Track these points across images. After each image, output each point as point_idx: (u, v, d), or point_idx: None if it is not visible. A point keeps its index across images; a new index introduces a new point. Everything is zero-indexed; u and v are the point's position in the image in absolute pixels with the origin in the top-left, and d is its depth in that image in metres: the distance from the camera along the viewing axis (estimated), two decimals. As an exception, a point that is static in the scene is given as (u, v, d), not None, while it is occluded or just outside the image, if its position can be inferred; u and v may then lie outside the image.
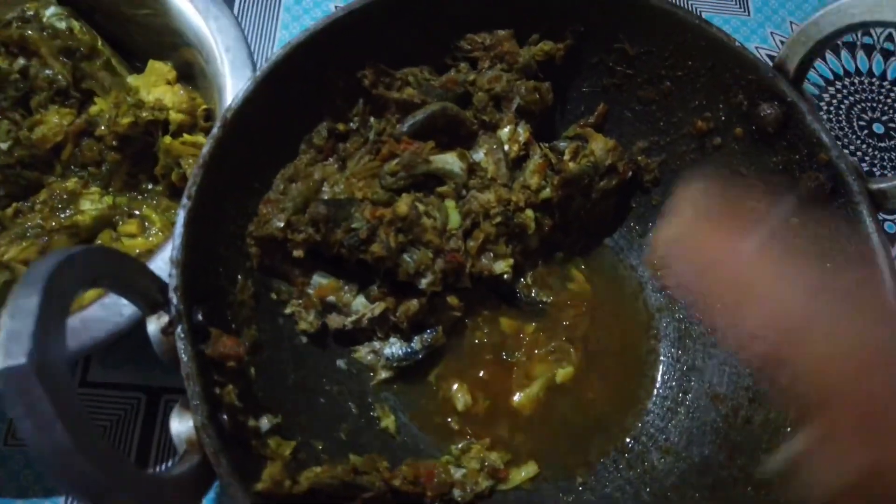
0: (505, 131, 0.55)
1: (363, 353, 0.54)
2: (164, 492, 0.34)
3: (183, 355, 0.39)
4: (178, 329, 0.39)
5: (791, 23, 0.77)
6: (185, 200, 0.42)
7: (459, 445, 0.52)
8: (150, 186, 0.56)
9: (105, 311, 0.45)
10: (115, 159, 0.55)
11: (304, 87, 0.49)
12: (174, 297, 0.39)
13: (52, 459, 0.29)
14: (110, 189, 0.55)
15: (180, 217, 0.42)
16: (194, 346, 0.39)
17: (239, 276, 0.47)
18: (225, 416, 0.39)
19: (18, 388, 0.29)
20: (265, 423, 0.43)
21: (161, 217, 0.55)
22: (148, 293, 0.40)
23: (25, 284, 0.31)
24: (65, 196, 0.52)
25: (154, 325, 0.40)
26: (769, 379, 0.52)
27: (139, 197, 0.56)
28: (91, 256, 0.35)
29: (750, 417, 0.51)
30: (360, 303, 0.52)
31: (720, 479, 0.49)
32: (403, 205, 0.50)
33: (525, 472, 0.52)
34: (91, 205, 0.53)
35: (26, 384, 0.29)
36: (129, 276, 0.38)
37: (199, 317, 0.41)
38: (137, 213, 0.54)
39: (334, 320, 0.52)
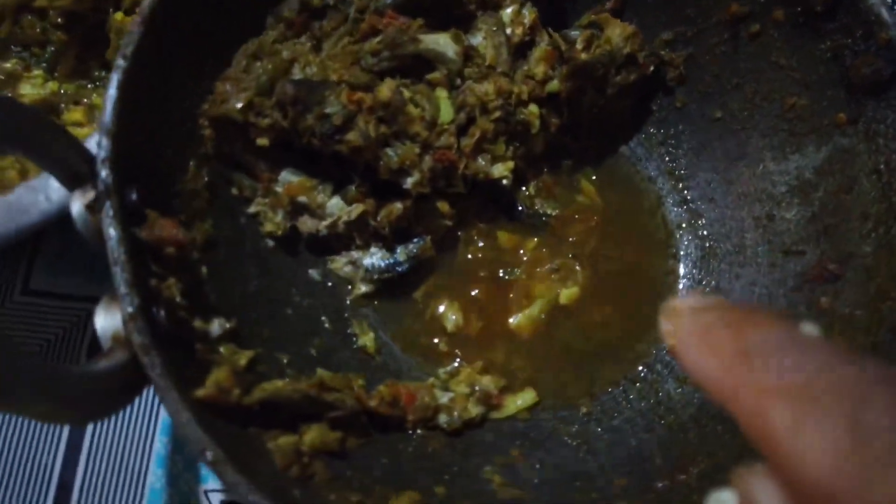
0: (507, 11, 0.48)
1: (340, 263, 0.47)
2: (74, 386, 0.28)
3: (110, 237, 0.32)
4: (106, 206, 0.33)
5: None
6: (119, 61, 0.36)
7: (447, 369, 0.46)
8: (101, 73, 0.50)
9: (32, 195, 0.38)
10: (62, 40, 0.48)
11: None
12: (103, 170, 0.33)
13: None
14: (56, 74, 0.48)
15: (113, 79, 0.35)
16: (125, 226, 0.33)
17: (190, 162, 0.40)
18: (162, 312, 0.33)
19: None
20: (216, 327, 0.37)
21: (114, 107, 0.48)
22: (72, 164, 0.33)
23: None
24: (2, 77, 0.46)
25: (78, 203, 0.34)
26: (807, 302, 0.45)
27: (89, 85, 0.49)
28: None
29: (782, 343, 0.44)
30: (335, 204, 0.46)
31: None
32: (386, 89, 0.43)
33: (522, 399, 0.46)
34: (32, 89, 0.46)
35: None
36: (42, 137, 0.32)
37: (133, 196, 0.34)
38: (85, 101, 0.48)
39: (306, 223, 0.46)
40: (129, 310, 0.31)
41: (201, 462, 0.34)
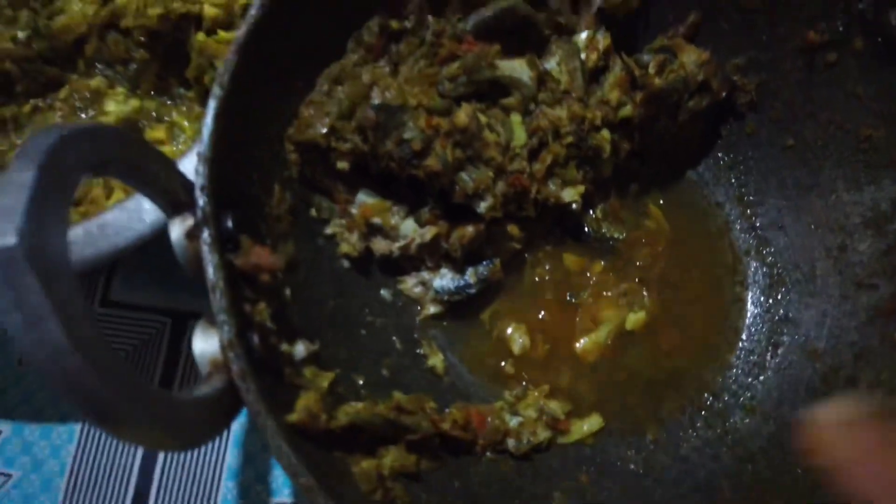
0: (582, 36, 0.48)
1: (410, 284, 0.48)
2: (181, 413, 0.29)
3: (209, 263, 0.33)
4: (205, 233, 0.34)
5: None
6: (216, 90, 0.36)
7: (514, 392, 0.47)
8: (181, 91, 0.51)
9: (127, 215, 0.39)
10: (144, 57, 0.49)
11: (355, -29, 0.43)
12: (201, 197, 0.34)
13: (43, 360, 0.23)
14: (138, 91, 0.50)
15: (210, 108, 0.36)
16: (222, 253, 0.34)
17: (276, 186, 0.41)
18: (256, 337, 0.34)
19: (6, 275, 0.23)
20: (301, 349, 0.38)
21: (192, 125, 0.49)
22: (171, 191, 0.34)
23: (21, 158, 0.26)
24: (87, 95, 0.47)
25: (178, 229, 0.34)
26: (880, 336, 0.44)
27: (169, 102, 0.50)
28: (101, 135, 0.29)
29: (855, 377, 0.44)
30: (409, 226, 0.46)
31: (816, 445, 0.42)
32: (463, 115, 0.44)
33: (588, 425, 0.46)
34: (116, 106, 0.48)
35: (16, 270, 0.23)
36: (147, 166, 0.33)
37: (229, 223, 0.35)
38: (167, 119, 0.49)
39: (380, 244, 0.47)
40: (229, 336, 0.32)
41: (292, 484, 0.35)
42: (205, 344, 0.33)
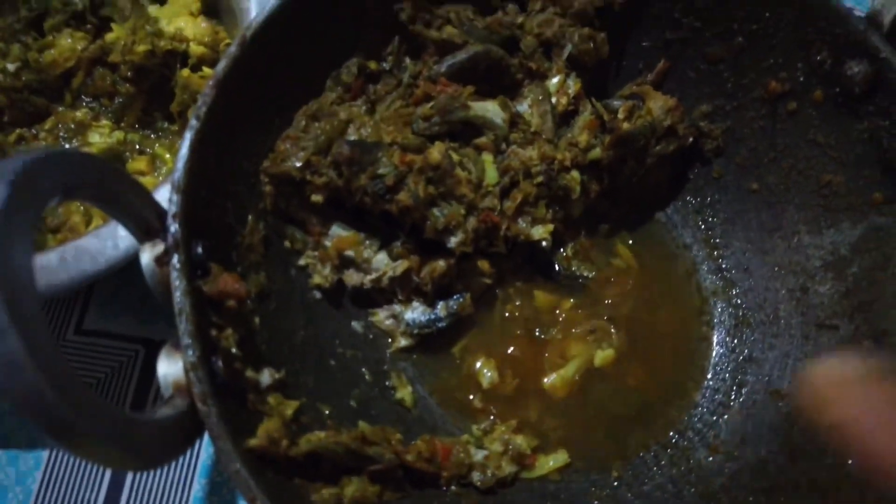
0: (553, 81, 0.50)
1: (382, 316, 0.49)
2: (140, 432, 0.29)
3: (177, 289, 0.34)
4: (174, 260, 0.34)
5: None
6: (192, 121, 0.38)
7: (482, 425, 0.47)
8: (164, 125, 0.52)
9: (100, 242, 0.40)
10: (129, 92, 0.51)
11: (335, 13, 0.45)
12: (172, 224, 0.35)
13: (1, 374, 0.24)
14: (122, 124, 0.51)
15: (186, 139, 0.37)
16: (190, 279, 0.34)
17: (249, 217, 0.42)
18: (220, 362, 0.35)
19: (-31, 290, 0.24)
20: (266, 377, 0.39)
21: (174, 157, 0.50)
22: (143, 217, 0.35)
23: (-7, 178, 0.27)
24: (72, 126, 0.49)
25: (148, 254, 0.35)
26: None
27: (152, 135, 0.52)
28: (72, 159, 0.30)
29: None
30: (381, 260, 0.47)
31: (778, 484, 0.43)
32: (436, 152, 0.45)
33: (554, 460, 0.46)
34: (100, 138, 0.49)
35: (-22, 285, 0.24)
36: (119, 191, 0.34)
37: (199, 250, 0.36)
38: (149, 150, 0.50)
39: (352, 277, 0.47)
40: (192, 359, 0.33)
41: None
42: (169, 367, 0.34)
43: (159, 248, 0.35)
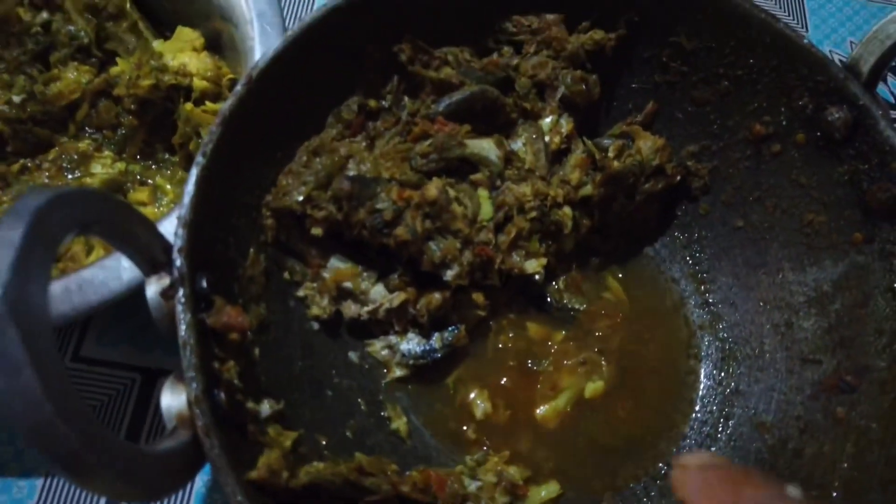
0: (547, 121, 0.52)
1: (378, 346, 0.50)
2: (145, 465, 0.30)
3: (181, 322, 0.35)
4: (179, 293, 0.35)
5: (851, 42, 0.74)
6: (199, 158, 0.39)
7: (475, 456, 0.48)
8: (166, 156, 0.53)
9: (104, 273, 0.41)
10: (132, 124, 0.52)
11: (337, 54, 0.46)
12: (178, 259, 0.36)
13: (18, 409, 0.25)
14: (124, 155, 0.52)
15: (192, 175, 0.38)
16: (195, 312, 0.35)
17: (251, 250, 0.43)
18: (222, 394, 0.35)
19: (-12, 326, 0.25)
20: (266, 408, 0.39)
21: (175, 188, 0.51)
22: (149, 251, 0.36)
23: (11, 215, 0.28)
24: (75, 157, 0.50)
25: (153, 288, 0.36)
26: (823, 411, 0.47)
27: (154, 166, 0.53)
28: (87, 197, 0.31)
29: (800, 450, 0.46)
30: (378, 292, 0.48)
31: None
32: (433, 188, 0.47)
33: (546, 491, 0.47)
34: (102, 169, 0.50)
35: (-2, 322, 0.25)
36: (128, 227, 0.34)
37: (204, 283, 0.37)
38: (150, 182, 0.51)
39: (349, 308, 0.48)
40: (195, 392, 0.33)
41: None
42: (172, 399, 0.34)
43: (165, 281, 0.36)
